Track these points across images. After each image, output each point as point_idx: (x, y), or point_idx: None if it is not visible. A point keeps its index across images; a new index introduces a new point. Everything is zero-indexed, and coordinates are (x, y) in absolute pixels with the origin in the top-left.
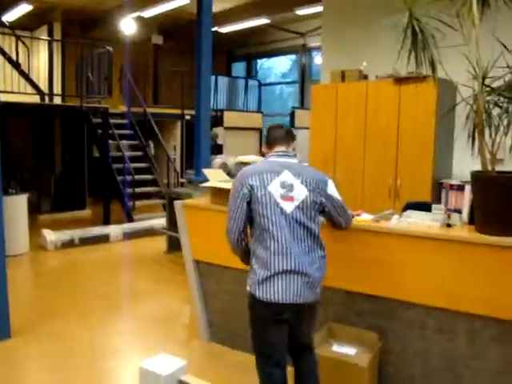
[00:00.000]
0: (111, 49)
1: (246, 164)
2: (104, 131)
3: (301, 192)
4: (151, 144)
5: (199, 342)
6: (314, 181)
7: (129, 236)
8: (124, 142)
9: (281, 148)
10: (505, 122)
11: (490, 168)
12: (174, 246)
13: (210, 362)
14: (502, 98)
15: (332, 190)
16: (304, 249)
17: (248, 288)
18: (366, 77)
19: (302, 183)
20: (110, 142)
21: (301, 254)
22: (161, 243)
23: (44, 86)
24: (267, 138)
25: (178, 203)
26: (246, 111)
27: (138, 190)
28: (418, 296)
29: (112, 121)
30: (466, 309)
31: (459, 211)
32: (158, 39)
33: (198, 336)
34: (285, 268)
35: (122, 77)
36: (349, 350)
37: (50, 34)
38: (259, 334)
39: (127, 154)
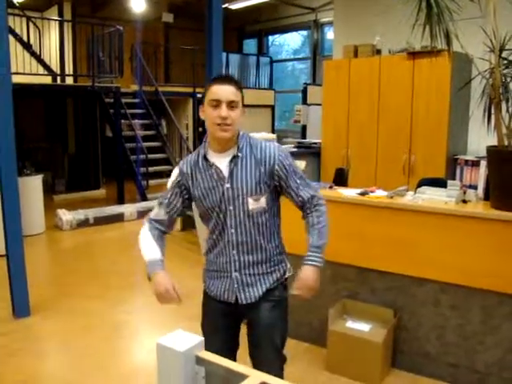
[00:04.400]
0: (121, 28)
1: None
2: (116, 111)
3: None
4: (163, 123)
5: None
6: None
7: (143, 215)
8: (136, 121)
9: None
10: None
11: (506, 143)
12: (189, 224)
13: None
14: None
15: None
16: None
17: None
18: (379, 51)
19: None
20: (123, 121)
21: None
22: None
23: (55, 67)
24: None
25: None
26: (258, 88)
27: (151, 169)
28: (432, 272)
29: (124, 100)
30: (480, 285)
31: (474, 187)
32: (168, 17)
33: None
34: None
35: (133, 56)
36: (363, 326)
37: (60, 14)
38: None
39: (139, 133)
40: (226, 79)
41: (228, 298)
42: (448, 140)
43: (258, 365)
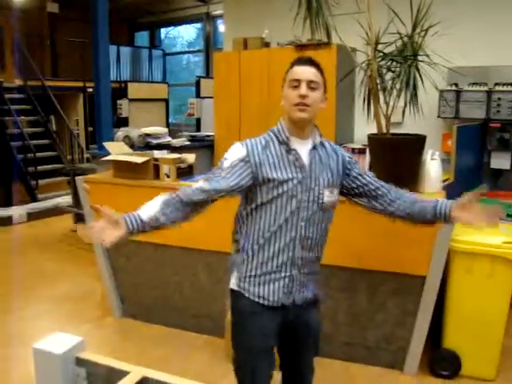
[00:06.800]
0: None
1: (150, 136)
2: None
3: None
4: (52, 119)
5: (112, 318)
6: None
7: (34, 216)
8: (22, 117)
9: None
10: (397, 86)
11: (385, 130)
12: (82, 223)
13: (123, 338)
14: (394, 63)
15: None
16: None
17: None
18: (267, 44)
19: None
20: (7, 118)
21: None
22: (68, 221)
23: None
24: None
25: (79, 179)
26: (151, 82)
27: (40, 167)
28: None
29: (7, 95)
30: (365, 266)
31: None
32: (53, 7)
33: (111, 313)
34: None
35: (15, 48)
36: None
37: None
38: None
39: (26, 130)
40: (308, 61)
41: (285, 301)
42: (336, 129)
43: (296, 373)
